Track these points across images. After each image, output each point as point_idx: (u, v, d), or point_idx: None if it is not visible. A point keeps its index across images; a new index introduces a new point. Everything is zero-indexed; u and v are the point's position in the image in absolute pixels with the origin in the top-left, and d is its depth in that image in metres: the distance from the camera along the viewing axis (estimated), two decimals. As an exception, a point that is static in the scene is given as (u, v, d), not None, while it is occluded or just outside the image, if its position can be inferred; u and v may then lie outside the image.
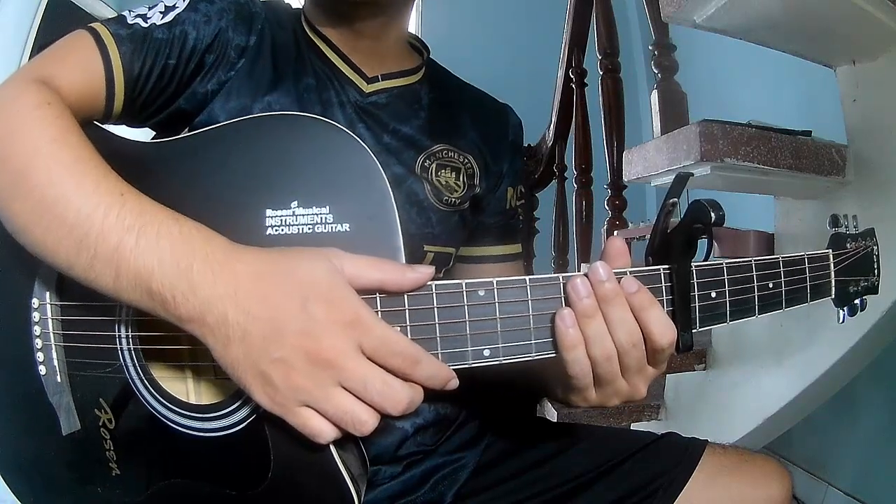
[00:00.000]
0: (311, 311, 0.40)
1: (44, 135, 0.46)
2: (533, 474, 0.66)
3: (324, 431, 0.41)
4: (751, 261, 0.50)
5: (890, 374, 1.38)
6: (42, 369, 0.53)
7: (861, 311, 0.58)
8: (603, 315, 0.44)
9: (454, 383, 0.43)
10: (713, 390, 1.35)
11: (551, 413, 1.43)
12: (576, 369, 0.45)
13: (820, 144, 1.07)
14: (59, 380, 0.53)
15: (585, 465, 0.66)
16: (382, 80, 0.65)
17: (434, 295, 0.43)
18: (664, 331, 0.44)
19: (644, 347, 0.45)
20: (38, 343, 0.53)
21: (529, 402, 0.85)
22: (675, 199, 0.47)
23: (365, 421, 0.41)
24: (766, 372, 1.22)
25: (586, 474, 0.65)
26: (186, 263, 0.41)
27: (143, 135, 0.60)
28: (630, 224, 1.70)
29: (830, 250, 0.56)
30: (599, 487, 0.64)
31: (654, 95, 1.46)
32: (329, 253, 0.42)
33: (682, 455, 0.64)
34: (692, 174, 0.49)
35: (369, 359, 0.41)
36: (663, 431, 0.69)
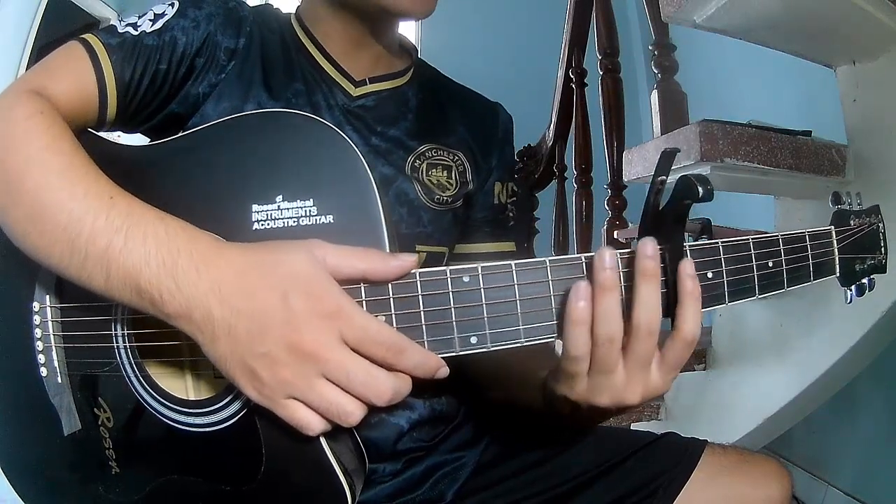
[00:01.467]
0: (293, 304, 0.40)
1: (36, 144, 0.47)
2: (533, 473, 0.66)
3: (311, 423, 0.42)
4: (748, 239, 0.48)
5: (890, 374, 1.38)
6: (43, 371, 0.54)
7: (869, 290, 0.55)
8: (635, 288, 0.42)
9: (444, 372, 0.43)
10: (713, 390, 1.36)
11: (551, 413, 1.43)
12: (573, 350, 0.42)
13: (820, 144, 1.07)
14: (59, 380, 0.54)
15: (585, 464, 0.66)
16: (370, 83, 0.66)
17: (419, 282, 0.43)
18: (697, 324, 0.42)
19: (656, 339, 0.43)
20: (39, 345, 0.54)
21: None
22: (664, 177, 0.45)
23: (351, 412, 0.41)
24: (766, 372, 1.22)
25: (586, 473, 0.65)
26: (172, 261, 0.42)
27: (139, 140, 0.60)
28: (630, 224, 1.70)
29: (833, 227, 0.54)
30: (599, 487, 0.64)
31: (654, 95, 1.46)
32: (311, 244, 0.42)
33: (682, 455, 0.64)
34: (678, 150, 0.47)
35: (353, 349, 0.41)
36: (663, 431, 0.69)
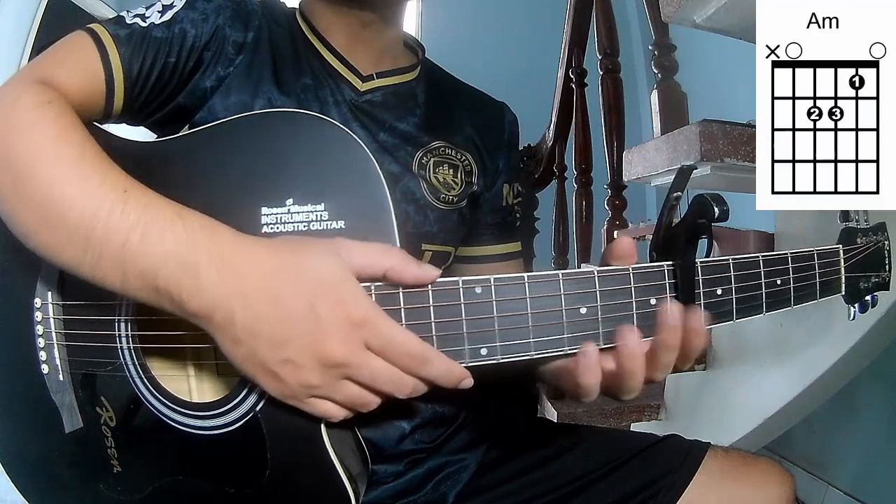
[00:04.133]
0: (319, 313, 0.40)
1: (45, 134, 0.45)
2: (535, 475, 0.66)
3: (334, 415, 0.43)
4: (758, 257, 0.48)
5: (890, 374, 1.38)
6: (45, 368, 0.54)
7: (872, 307, 0.56)
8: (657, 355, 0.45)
9: (468, 382, 0.44)
10: (713, 390, 1.35)
11: (551, 413, 1.43)
12: (587, 396, 0.46)
13: (820, 144, 1.07)
14: (61, 378, 0.53)
15: (587, 465, 0.65)
16: (378, 77, 0.66)
17: (430, 293, 0.43)
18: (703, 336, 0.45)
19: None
20: (41, 342, 0.53)
21: (530, 401, 0.84)
22: (679, 193, 0.46)
23: (371, 402, 0.43)
24: (766, 372, 1.22)
25: (588, 475, 0.65)
26: (192, 261, 0.41)
27: (146, 134, 0.60)
28: (630, 224, 1.70)
29: (841, 246, 0.54)
30: (601, 488, 0.64)
31: (654, 95, 1.46)
32: (337, 245, 0.42)
33: (684, 457, 0.64)
34: (695, 166, 0.48)
35: (377, 354, 0.41)
36: (663, 431, 0.69)
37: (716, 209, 0.42)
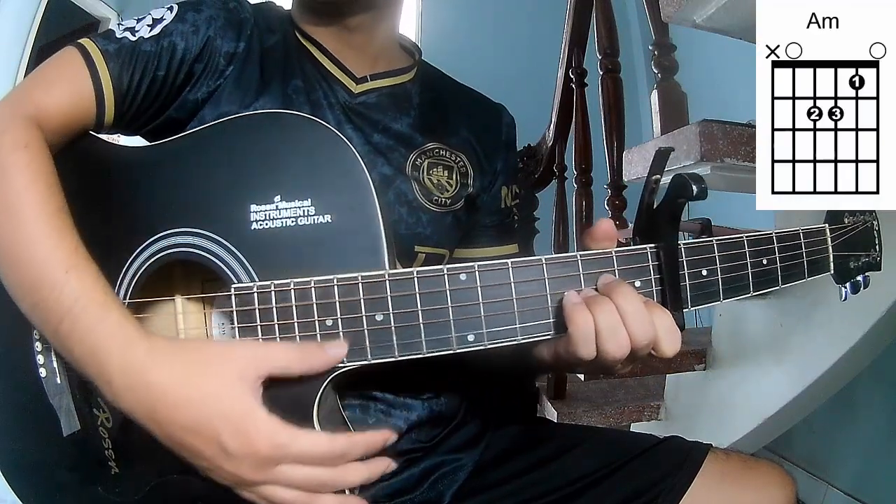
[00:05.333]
0: (227, 445, 0.42)
1: (13, 184, 0.47)
2: (533, 475, 0.66)
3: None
4: (742, 237, 0.49)
5: (890, 374, 1.38)
6: (42, 372, 0.54)
7: (864, 287, 0.56)
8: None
9: (392, 438, 0.46)
10: (713, 390, 1.35)
11: (551, 413, 1.44)
12: (581, 345, 0.44)
13: (820, 144, 1.07)
14: (58, 381, 0.54)
15: (586, 467, 0.65)
16: (371, 80, 0.66)
17: (416, 280, 0.44)
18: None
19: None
20: (38, 346, 0.54)
21: (529, 400, 0.84)
22: (658, 176, 0.47)
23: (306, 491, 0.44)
24: (766, 372, 1.22)
25: (587, 477, 0.65)
26: (106, 376, 0.44)
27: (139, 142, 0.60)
28: (630, 224, 1.69)
29: (827, 225, 0.55)
30: (600, 490, 0.64)
31: (654, 95, 1.46)
32: (248, 363, 0.43)
33: (685, 460, 0.64)
34: (672, 149, 0.49)
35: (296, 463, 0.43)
36: (663, 431, 0.69)
37: (694, 187, 0.43)
